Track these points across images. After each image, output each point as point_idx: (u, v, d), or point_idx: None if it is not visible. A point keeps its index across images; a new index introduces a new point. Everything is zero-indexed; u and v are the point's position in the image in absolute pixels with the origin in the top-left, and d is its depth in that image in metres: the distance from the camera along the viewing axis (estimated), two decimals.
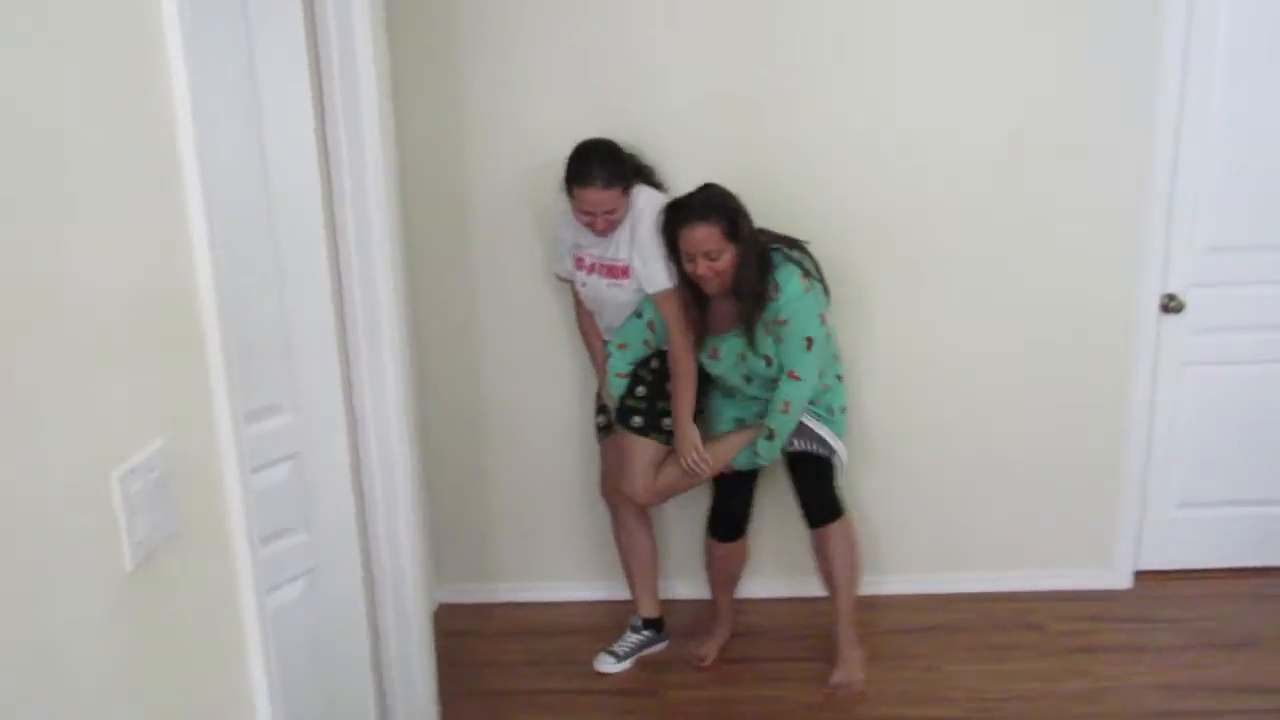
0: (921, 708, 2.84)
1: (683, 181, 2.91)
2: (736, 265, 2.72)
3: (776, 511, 3.25)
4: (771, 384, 2.87)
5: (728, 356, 2.87)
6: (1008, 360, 3.27)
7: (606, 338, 3.01)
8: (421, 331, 3.24)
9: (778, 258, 2.78)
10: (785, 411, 2.84)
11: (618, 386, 2.99)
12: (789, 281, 2.75)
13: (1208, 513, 3.45)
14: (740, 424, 2.98)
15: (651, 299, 2.84)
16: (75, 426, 1.09)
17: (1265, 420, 3.37)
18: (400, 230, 2.60)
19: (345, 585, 2.35)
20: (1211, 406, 3.35)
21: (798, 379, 2.81)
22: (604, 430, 3.12)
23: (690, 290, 2.80)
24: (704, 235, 2.68)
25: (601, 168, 2.70)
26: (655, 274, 2.79)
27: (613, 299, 2.91)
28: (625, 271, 2.83)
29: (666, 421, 2.95)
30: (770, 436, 2.86)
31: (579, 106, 3.05)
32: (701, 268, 2.70)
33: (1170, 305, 3.25)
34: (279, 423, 2.17)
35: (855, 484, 3.23)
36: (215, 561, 1.42)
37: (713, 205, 2.70)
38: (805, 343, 2.78)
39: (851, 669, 2.96)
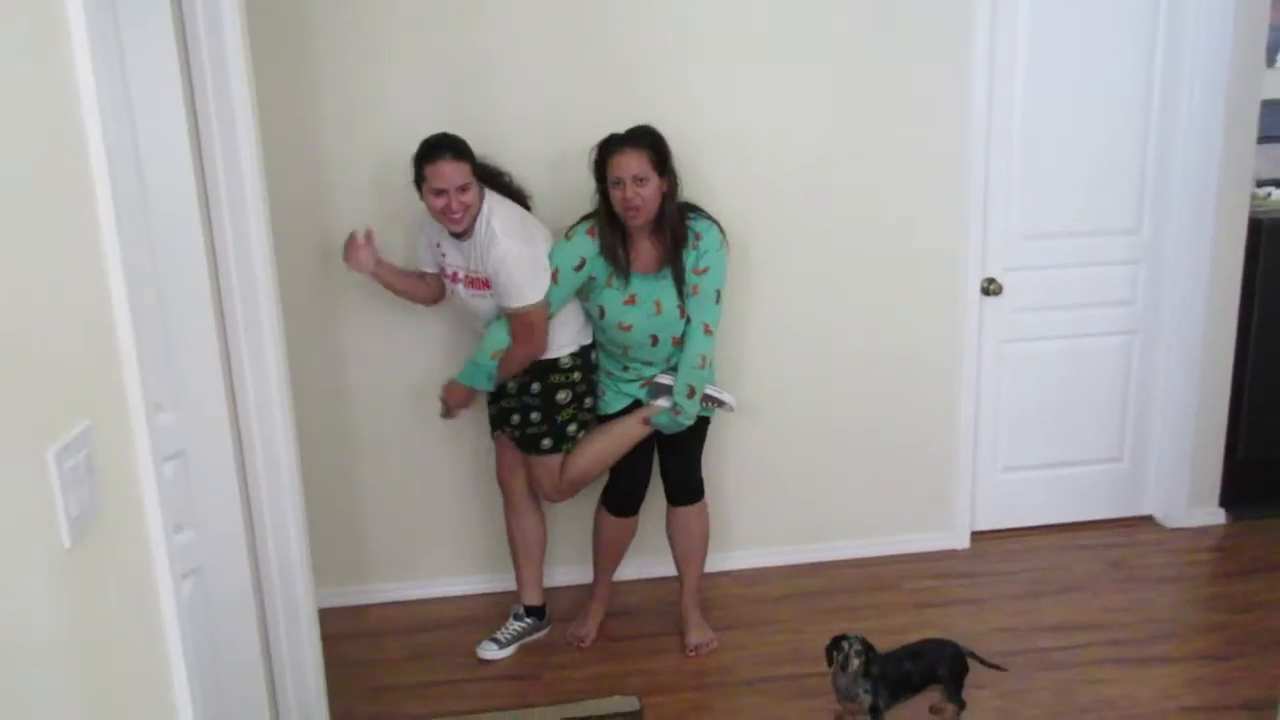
0: (789, 666, 3.05)
1: (540, 168, 3.09)
2: (661, 200, 2.87)
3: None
4: (665, 351, 2.99)
5: (645, 303, 2.94)
6: (848, 346, 3.52)
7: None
8: (286, 327, 3.20)
9: (694, 214, 2.96)
10: (702, 366, 2.97)
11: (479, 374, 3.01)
12: (709, 231, 2.94)
13: (1029, 475, 3.81)
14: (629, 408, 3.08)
15: (513, 314, 2.85)
16: (10, 402, 1.11)
17: (1071, 389, 3.76)
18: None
19: (234, 583, 2.34)
20: (1027, 378, 3.72)
21: (710, 333, 2.97)
22: (496, 420, 3.16)
23: (617, 231, 2.90)
24: (633, 160, 2.83)
25: (449, 143, 2.79)
26: (524, 288, 2.82)
27: (477, 308, 2.97)
28: (488, 284, 2.88)
29: (572, 429, 3.04)
30: (690, 394, 2.98)
31: (436, 98, 3.13)
32: (629, 191, 2.82)
33: (990, 288, 3.59)
34: (162, 421, 2.15)
35: (708, 462, 3.30)
36: (134, 546, 1.44)
37: (643, 135, 2.88)
38: (716, 295, 2.96)
39: (705, 630, 3.20)
